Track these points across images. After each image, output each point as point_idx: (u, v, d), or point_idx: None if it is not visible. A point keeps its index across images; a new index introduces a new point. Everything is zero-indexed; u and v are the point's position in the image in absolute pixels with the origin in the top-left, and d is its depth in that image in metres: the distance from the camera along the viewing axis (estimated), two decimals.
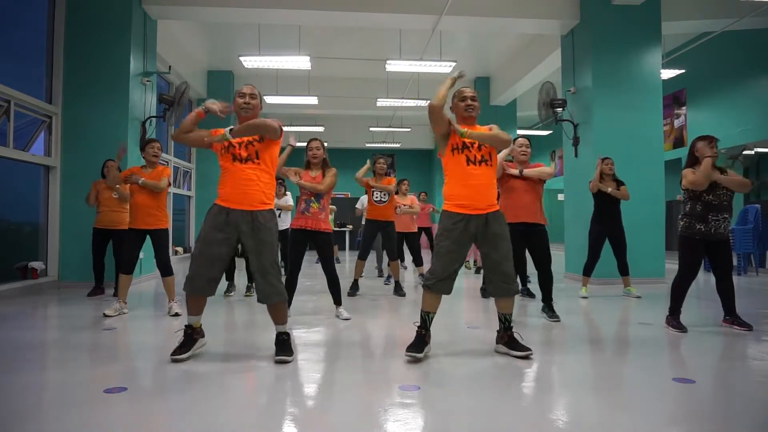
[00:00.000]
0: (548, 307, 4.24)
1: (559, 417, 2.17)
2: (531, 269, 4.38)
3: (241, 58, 8.52)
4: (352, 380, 2.72)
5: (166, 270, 4.47)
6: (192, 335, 3.01)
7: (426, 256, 8.46)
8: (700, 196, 3.79)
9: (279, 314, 3.03)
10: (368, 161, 5.59)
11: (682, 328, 3.75)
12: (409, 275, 7.82)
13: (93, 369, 2.86)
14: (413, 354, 2.93)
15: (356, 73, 11.93)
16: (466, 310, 4.86)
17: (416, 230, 6.56)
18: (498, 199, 4.21)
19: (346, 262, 10.53)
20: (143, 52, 6.82)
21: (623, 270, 5.54)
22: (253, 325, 4.08)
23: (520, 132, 13.53)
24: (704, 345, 3.45)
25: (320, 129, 14.10)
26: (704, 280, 6.84)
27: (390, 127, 14.97)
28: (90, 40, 6.42)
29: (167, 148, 9.97)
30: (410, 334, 3.36)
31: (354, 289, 5.63)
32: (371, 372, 2.87)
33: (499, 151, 3.42)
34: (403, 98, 11.26)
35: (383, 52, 9.80)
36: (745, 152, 8.93)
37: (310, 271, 8.06)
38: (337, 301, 4.38)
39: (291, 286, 4.22)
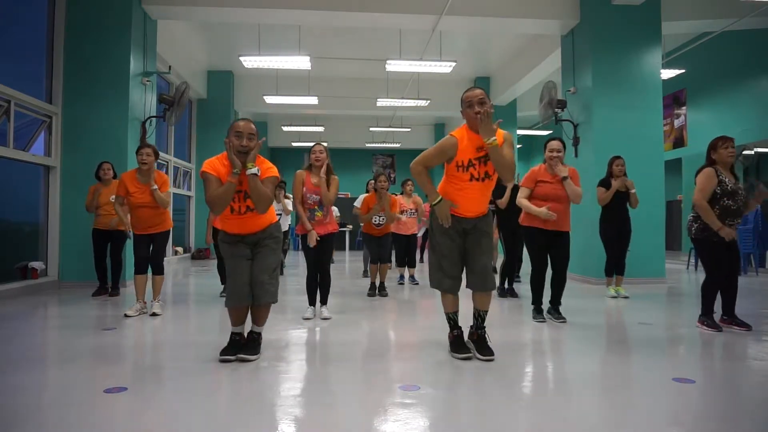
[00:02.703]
0: (554, 309, 4.22)
1: (560, 417, 2.17)
2: (525, 269, 4.37)
3: (241, 58, 8.52)
4: (353, 380, 2.72)
5: (157, 268, 4.58)
6: (239, 341, 3.04)
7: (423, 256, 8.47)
8: (719, 200, 3.66)
9: (262, 316, 3.08)
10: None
11: (717, 328, 3.72)
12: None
13: (93, 369, 2.86)
14: (465, 354, 2.98)
15: (356, 73, 11.93)
16: (466, 310, 4.84)
17: (416, 232, 6.67)
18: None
19: (345, 263, 10.53)
20: (143, 52, 6.82)
21: (619, 269, 5.53)
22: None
23: (520, 132, 13.52)
24: (704, 345, 3.45)
25: (320, 129, 14.09)
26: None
27: (390, 127, 14.97)
28: (90, 40, 6.42)
29: (168, 148, 9.98)
30: (410, 335, 3.36)
31: (372, 290, 5.79)
32: (371, 372, 2.87)
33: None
34: (403, 98, 11.26)
35: (383, 52, 9.80)
36: (745, 152, 8.92)
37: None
38: (323, 301, 4.41)
39: (314, 287, 4.34)
